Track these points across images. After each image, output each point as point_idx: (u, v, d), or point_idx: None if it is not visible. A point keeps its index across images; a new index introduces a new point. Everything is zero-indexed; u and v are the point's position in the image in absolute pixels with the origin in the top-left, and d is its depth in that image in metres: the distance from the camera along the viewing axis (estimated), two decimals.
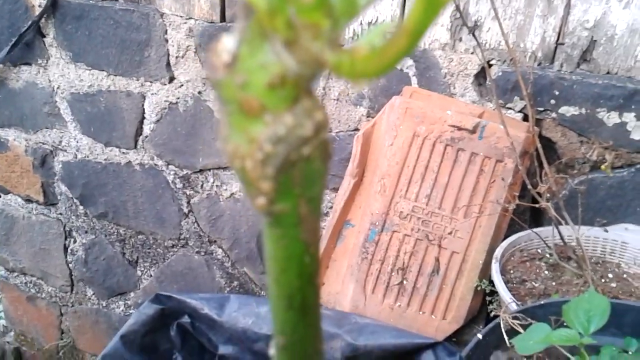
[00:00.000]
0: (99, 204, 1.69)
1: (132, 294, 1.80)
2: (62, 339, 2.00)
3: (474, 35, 1.02)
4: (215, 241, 1.59)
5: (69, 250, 1.82)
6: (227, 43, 0.16)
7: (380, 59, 0.16)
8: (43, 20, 1.51)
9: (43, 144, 1.69)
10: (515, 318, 0.76)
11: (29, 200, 1.80)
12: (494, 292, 1.04)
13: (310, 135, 0.16)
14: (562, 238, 0.98)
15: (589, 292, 0.70)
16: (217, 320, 0.90)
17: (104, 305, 1.86)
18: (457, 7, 1.06)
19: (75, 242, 1.80)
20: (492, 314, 1.03)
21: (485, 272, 1.09)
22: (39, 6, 1.49)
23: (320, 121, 0.16)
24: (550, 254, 1.02)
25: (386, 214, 1.13)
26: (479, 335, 0.77)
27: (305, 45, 0.15)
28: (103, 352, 1.02)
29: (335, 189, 1.32)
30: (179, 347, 0.98)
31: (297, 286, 0.19)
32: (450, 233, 1.11)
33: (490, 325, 0.78)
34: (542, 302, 0.80)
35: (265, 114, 0.16)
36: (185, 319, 0.93)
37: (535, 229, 1.05)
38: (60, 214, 1.78)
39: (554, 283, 1.02)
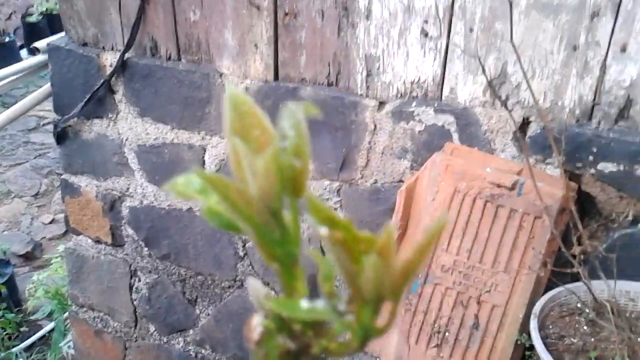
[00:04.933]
0: (162, 246, 1.81)
1: (191, 331, 1.90)
2: None
3: (505, 106, 1.07)
4: (268, 283, 1.67)
5: (133, 289, 1.95)
6: (256, 327, 0.25)
7: (345, 349, 0.26)
8: (113, 78, 1.65)
9: (112, 190, 1.82)
10: None
11: (98, 241, 1.94)
12: (533, 347, 1.07)
13: None
14: (594, 296, 1.01)
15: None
16: None
17: (165, 341, 1.96)
18: (490, 83, 1.11)
19: (139, 281, 1.93)
20: None
21: (525, 326, 1.12)
22: (110, 66, 1.63)
23: None
24: (588, 311, 1.05)
25: (428, 267, 1.18)
26: None
27: (301, 338, 0.24)
28: None
29: None
30: None
31: None
32: (491, 287, 1.14)
33: None
34: None
35: None
36: None
37: (570, 285, 1.07)
38: (127, 254, 1.91)
39: (592, 339, 1.04)
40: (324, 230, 0.24)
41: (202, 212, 0.25)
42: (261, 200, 0.24)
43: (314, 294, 0.27)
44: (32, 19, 5.19)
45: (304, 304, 0.25)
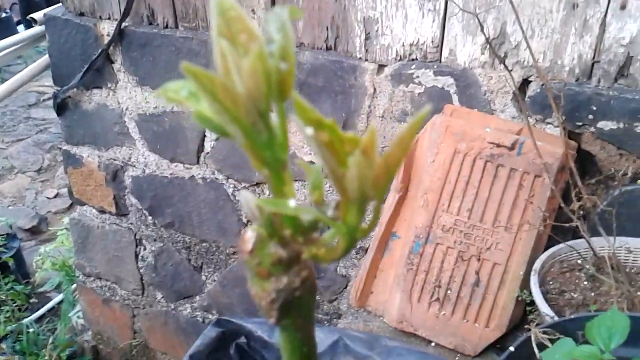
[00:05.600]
0: (166, 215, 1.83)
1: (197, 297, 1.93)
2: (134, 339, 2.16)
3: (504, 64, 1.07)
4: None
5: (139, 257, 1.97)
6: (250, 238, 0.26)
7: (333, 254, 0.27)
8: (111, 48, 1.64)
9: (114, 160, 1.83)
10: (546, 332, 0.81)
11: (102, 211, 1.96)
12: (534, 302, 1.09)
13: (299, 285, 0.27)
14: (594, 252, 1.02)
15: (612, 310, 0.75)
16: (269, 342, 1.01)
17: (172, 307, 2.00)
18: (488, 41, 1.11)
19: (145, 249, 1.95)
20: (531, 324, 1.08)
21: (526, 283, 1.14)
22: (107, 35, 1.63)
23: (305, 276, 0.27)
24: (588, 266, 1.06)
25: (429, 227, 1.20)
26: (511, 348, 0.83)
27: (291, 245, 0.25)
28: None
29: (382, 201, 1.39)
30: None
31: None
32: (491, 245, 1.16)
33: (522, 338, 0.84)
34: (572, 317, 0.85)
35: (271, 277, 0.28)
36: (243, 340, 1.04)
37: (571, 242, 1.09)
38: (131, 223, 1.93)
39: (592, 294, 1.06)
40: (309, 131, 0.25)
41: (193, 116, 0.26)
42: (248, 100, 0.24)
43: None
44: None
45: (292, 203, 0.26)
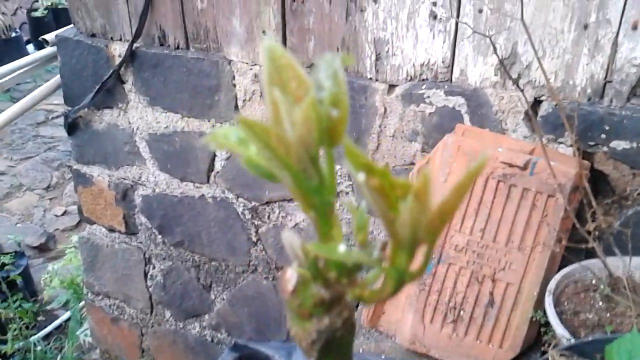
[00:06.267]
0: (176, 234, 1.83)
1: (206, 316, 1.92)
2: (143, 358, 2.15)
3: (517, 85, 1.07)
4: (282, 267, 1.68)
5: (148, 276, 1.97)
6: (291, 278, 0.26)
7: (378, 296, 0.27)
8: (122, 68, 1.65)
9: (124, 179, 1.84)
10: (563, 355, 0.80)
11: (112, 230, 1.96)
12: (548, 323, 1.08)
13: (340, 326, 0.27)
14: (610, 273, 1.01)
15: (632, 332, 0.74)
16: None
17: (181, 326, 1.99)
18: (501, 62, 1.12)
19: (154, 268, 1.95)
20: (546, 345, 1.07)
21: (540, 303, 1.13)
22: (119, 56, 1.64)
23: (346, 317, 0.26)
24: (603, 287, 1.06)
25: (442, 247, 1.19)
26: None
27: (335, 286, 0.25)
28: None
29: None
30: None
31: None
32: (505, 265, 1.15)
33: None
34: (590, 339, 0.84)
35: (313, 317, 0.27)
36: None
37: (585, 262, 1.08)
38: (141, 242, 1.93)
39: (607, 314, 1.05)
40: (361, 176, 0.25)
41: (243, 161, 0.26)
42: (300, 147, 0.24)
43: None
44: (38, 13, 5.20)
45: (342, 247, 0.26)
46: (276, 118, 0.24)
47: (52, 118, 4.51)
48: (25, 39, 5.22)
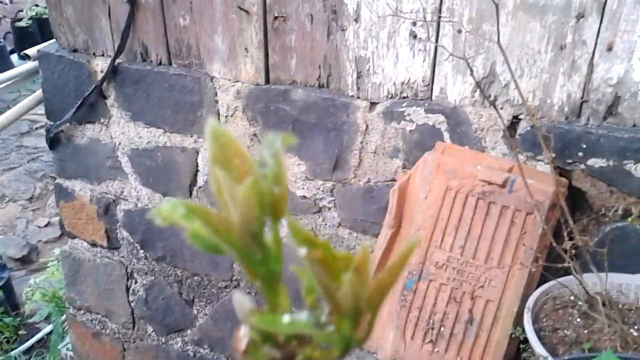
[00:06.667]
0: (158, 248, 1.82)
1: (189, 331, 1.91)
2: None
3: (494, 106, 1.09)
4: None
5: (130, 291, 1.96)
6: (243, 337, 0.26)
7: (328, 357, 0.28)
8: (105, 84, 1.65)
9: (106, 194, 1.83)
10: None
11: (94, 244, 1.95)
12: (527, 340, 1.09)
13: None
14: (586, 291, 1.03)
15: (606, 353, 0.75)
16: None
17: (163, 341, 1.98)
18: (477, 84, 1.13)
19: (136, 282, 1.94)
20: None
21: (520, 319, 1.14)
22: (101, 71, 1.64)
23: None
24: (581, 303, 1.07)
25: (422, 264, 1.20)
26: None
27: (285, 347, 0.25)
28: None
29: (375, 236, 1.39)
30: None
31: None
32: (484, 282, 1.16)
33: None
34: (566, 358, 0.85)
35: None
36: None
37: (563, 279, 1.09)
38: (123, 257, 1.92)
39: (585, 331, 1.06)
40: (303, 251, 0.26)
41: (188, 235, 0.26)
42: (242, 226, 0.25)
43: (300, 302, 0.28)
44: (22, 23, 5.17)
45: (286, 318, 0.27)
46: (219, 195, 0.25)
47: (36, 128, 4.48)
48: (9, 48, 5.19)
